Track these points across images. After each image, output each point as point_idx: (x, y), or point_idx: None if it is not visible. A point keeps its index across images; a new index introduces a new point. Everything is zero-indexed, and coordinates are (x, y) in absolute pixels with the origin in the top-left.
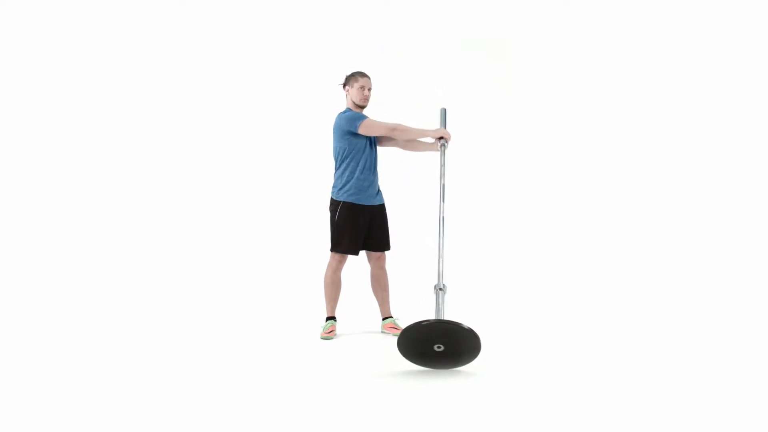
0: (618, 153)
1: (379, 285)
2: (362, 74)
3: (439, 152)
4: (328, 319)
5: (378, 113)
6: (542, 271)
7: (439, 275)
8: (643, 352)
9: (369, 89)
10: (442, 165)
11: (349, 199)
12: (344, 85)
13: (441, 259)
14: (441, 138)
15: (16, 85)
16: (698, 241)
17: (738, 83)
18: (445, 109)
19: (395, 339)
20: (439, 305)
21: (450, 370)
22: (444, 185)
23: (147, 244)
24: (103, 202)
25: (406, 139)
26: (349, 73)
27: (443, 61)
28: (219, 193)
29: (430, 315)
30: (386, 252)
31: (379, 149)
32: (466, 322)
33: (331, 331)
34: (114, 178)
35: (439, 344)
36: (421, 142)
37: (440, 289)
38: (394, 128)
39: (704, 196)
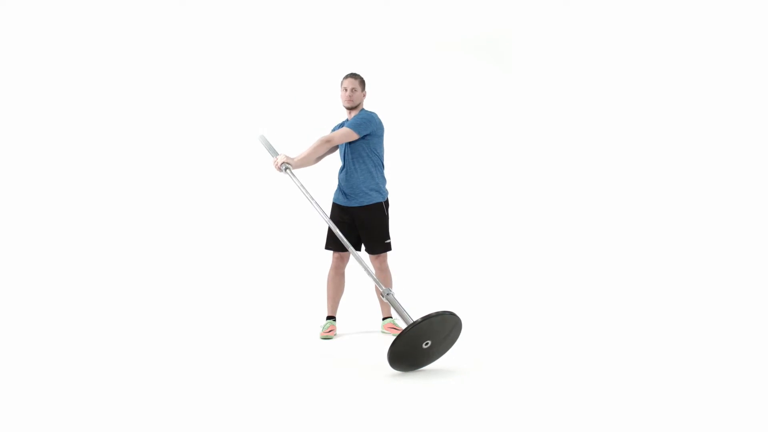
0: (618, 151)
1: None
2: (345, 76)
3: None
4: (328, 318)
5: (377, 112)
6: (541, 270)
7: (375, 282)
8: (642, 352)
9: (353, 89)
10: (300, 186)
11: (334, 200)
12: None
13: (362, 263)
14: (281, 169)
15: (15, 85)
16: (698, 240)
17: (738, 76)
18: (263, 136)
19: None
20: (398, 309)
21: (449, 370)
22: (311, 198)
23: (147, 245)
24: (102, 203)
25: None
26: None
27: (443, 61)
28: (219, 193)
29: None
30: (387, 253)
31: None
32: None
33: (330, 331)
34: (113, 179)
35: (426, 341)
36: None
37: (388, 294)
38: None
39: (705, 194)
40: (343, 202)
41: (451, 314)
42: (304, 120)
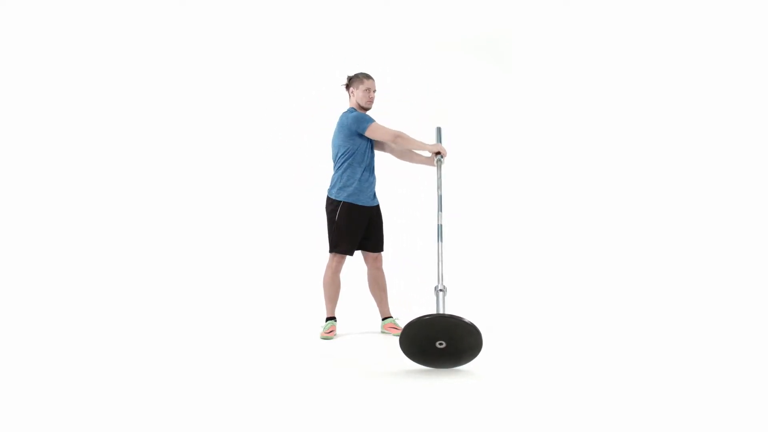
0: (618, 150)
1: (378, 285)
2: (367, 76)
3: (435, 167)
4: (328, 319)
5: (377, 114)
6: (542, 270)
7: (439, 278)
8: (644, 352)
9: (374, 91)
10: (439, 178)
11: (349, 200)
12: (347, 86)
13: (440, 263)
14: (438, 153)
15: (15, 85)
16: (699, 240)
17: (737, 75)
18: (440, 128)
19: (396, 338)
20: (439, 307)
21: (450, 369)
22: (441, 196)
23: (147, 246)
24: (101, 204)
25: (405, 148)
26: (353, 74)
27: (443, 61)
28: (218, 194)
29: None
30: (383, 252)
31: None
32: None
33: (331, 331)
34: (113, 180)
35: (441, 341)
36: (417, 154)
37: (440, 290)
38: (398, 135)
39: (706, 193)
40: (366, 202)
41: (478, 333)
42: (305, 120)
